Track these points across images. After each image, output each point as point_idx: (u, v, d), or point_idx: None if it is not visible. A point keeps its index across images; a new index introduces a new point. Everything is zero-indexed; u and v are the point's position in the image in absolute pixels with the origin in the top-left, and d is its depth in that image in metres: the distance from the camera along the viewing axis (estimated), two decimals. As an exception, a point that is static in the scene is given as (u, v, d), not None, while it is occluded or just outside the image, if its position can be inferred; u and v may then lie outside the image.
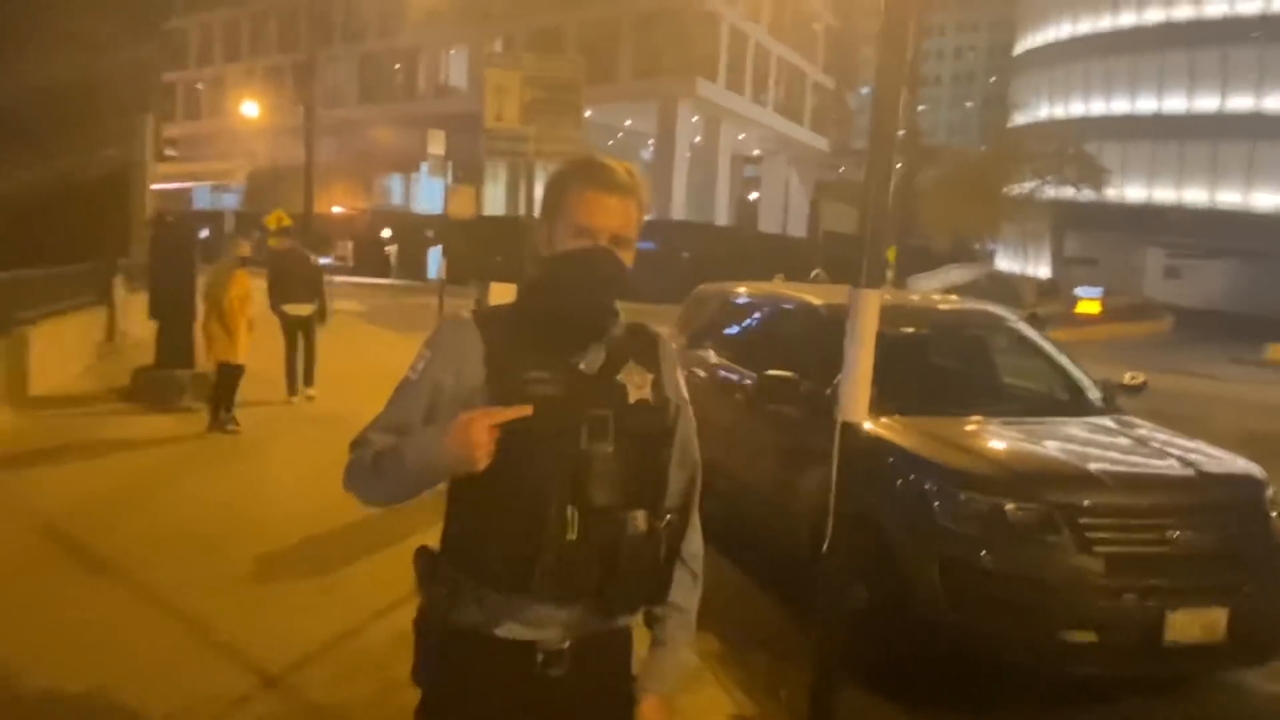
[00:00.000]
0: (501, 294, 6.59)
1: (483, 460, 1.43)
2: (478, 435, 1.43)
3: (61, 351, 10.25)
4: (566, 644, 1.57)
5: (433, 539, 1.66)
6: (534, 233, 1.67)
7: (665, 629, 1.72)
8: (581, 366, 1.57)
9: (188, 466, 6.99)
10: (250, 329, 8.37)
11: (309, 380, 10.10)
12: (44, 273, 10.21)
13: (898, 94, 2.57)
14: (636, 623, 1.70)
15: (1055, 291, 37.71)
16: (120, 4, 15.52)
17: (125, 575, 4.64)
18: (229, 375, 8.20)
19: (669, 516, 1.59)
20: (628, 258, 1.61)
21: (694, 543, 1.72)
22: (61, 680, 3.52)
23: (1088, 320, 30.62)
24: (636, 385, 1.60)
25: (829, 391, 4.94)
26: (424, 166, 48.50)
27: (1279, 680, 4.23)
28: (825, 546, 2.76)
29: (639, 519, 1.52)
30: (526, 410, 1.45)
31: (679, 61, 39.12)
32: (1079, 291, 34.19)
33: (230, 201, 57.04)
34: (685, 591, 1.71)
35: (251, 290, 8.40)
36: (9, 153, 9.55)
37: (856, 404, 2.57)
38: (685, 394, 1.71)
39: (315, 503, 6.03)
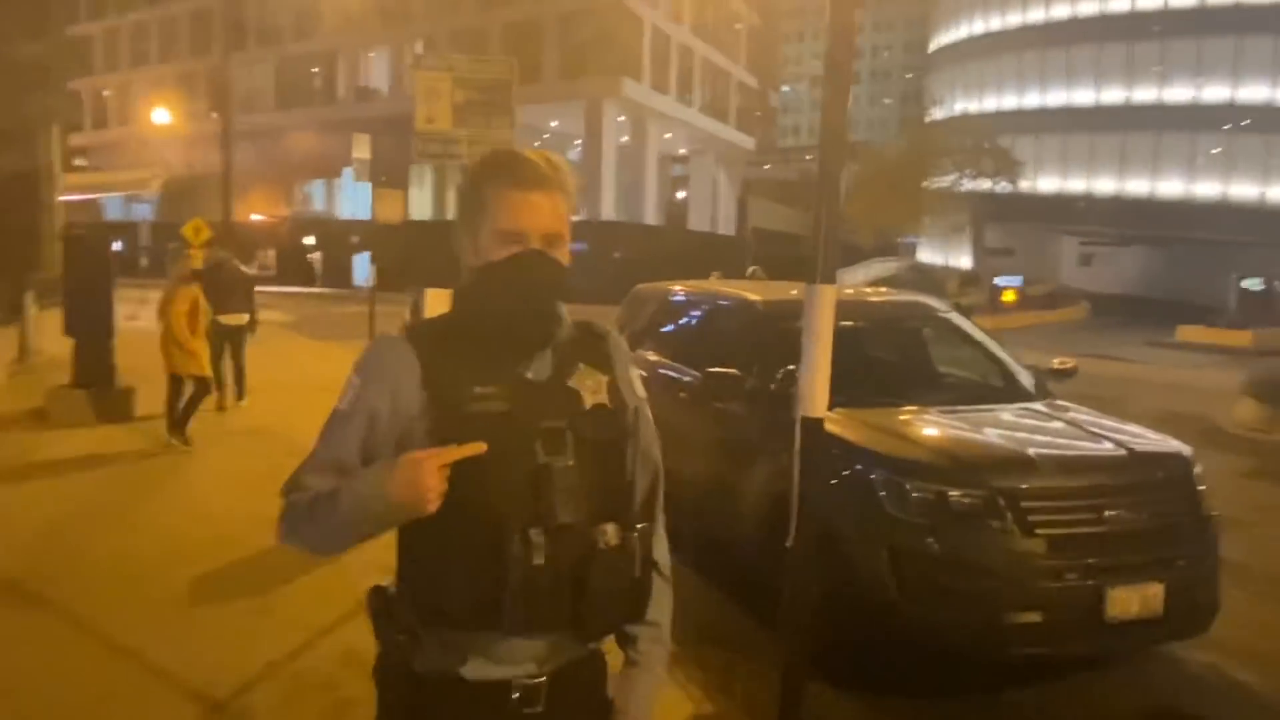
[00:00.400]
0: (438, 300, 6.50)
1: (433, 504, 1.31)
2: (426, 478, 1.29)
3: (-30, 372, 9.77)
4: (542, 678, 1.45)
5: (373, 555, 1.56)
6: (456, 241, 1.53)
7: (639, 647, 1.59)
8: (529, 375, 1.46)
9: (113, 487, 6.72)
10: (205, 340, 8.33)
11: (240, 392, 10.03)
12: (-53, 290, 9.74)
13: (846, 92, 2.59)
14: (607, 642, 1.58)
15: (977, 281, 38.72)
16: (20, 9, 14.89)
17: (53, 606, 4.42)
18: (197, 390, 8.08)
19: (639, 525, 1.47)
20: (563, 256, 1.48)
21: (661, 549, 1.60)
22: (-12, 719, 3.34)
23: (1007, 308, 31.54)
24: (591, 390, 1.48)
25: (772, 386, 4.99)
26: (347, 172, 47.62)
27: (1211, 650, 4.38)
28: (790, 541, 2.76)
29: (609, 533, 1.41)
30: (480, 447, 1.32)
31: (603, 62, 39.13)
32: (999, 281, 35.19)
33: (144, 212, 55.14)
34: (659, 604, 1.58)
35: (201, 303, 8.31)
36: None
37: (816, 399, 2.57)
38: (642, 392, 1.60)
39: (249, 519, 5.86)
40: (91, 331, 9.08)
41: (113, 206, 57.58)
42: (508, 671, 1.43)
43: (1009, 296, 32.84)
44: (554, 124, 45.72)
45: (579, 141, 44.73)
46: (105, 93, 58.54)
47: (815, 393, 2.57)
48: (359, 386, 1.45)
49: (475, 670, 1.43)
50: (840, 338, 5.73)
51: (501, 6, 41.30)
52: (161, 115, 42.00)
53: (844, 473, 4.27)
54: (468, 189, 1.50)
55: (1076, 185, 46.87)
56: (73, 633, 4.13)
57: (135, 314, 23.71)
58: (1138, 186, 45.25)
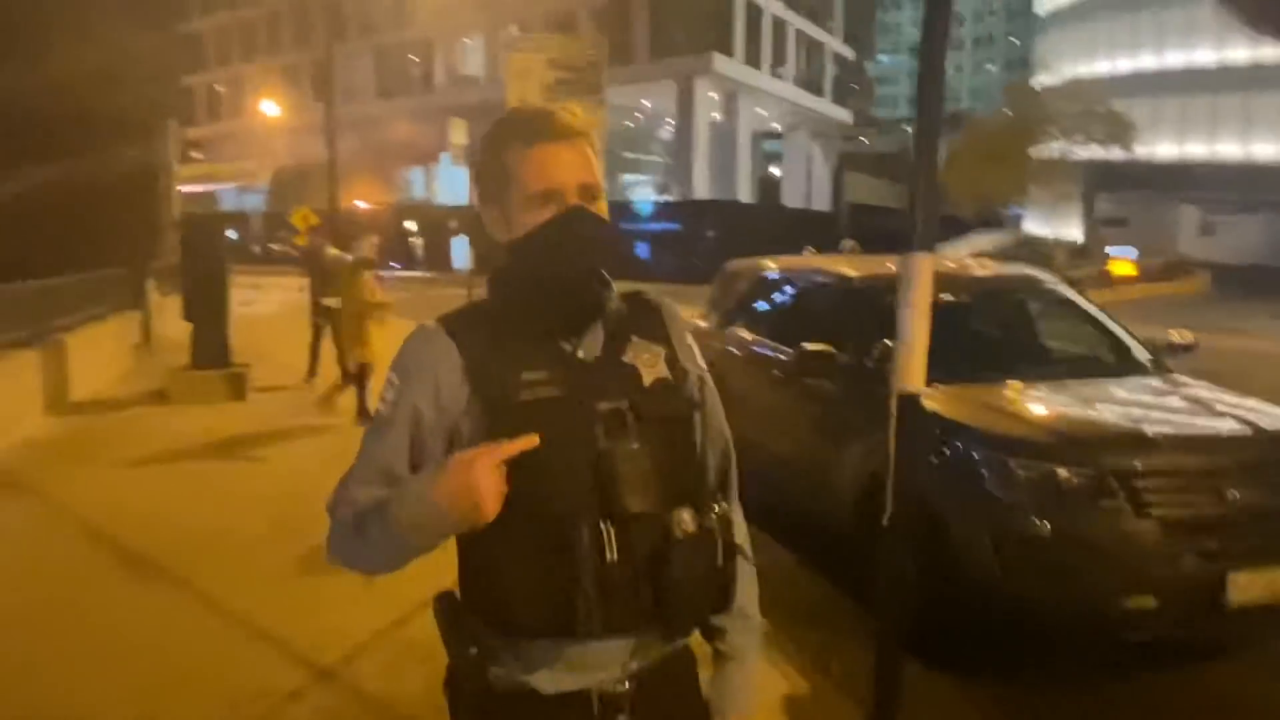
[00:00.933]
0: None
1: (493, 508, 1.18)
2: (481, 480, 1.16)
3: (99, 357, 10.37)
4: (626, 684, 1.33)
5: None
6: (485, 221, 1.39)
7: (729, 639, 1.47)
8: (580, 354, 1.33)
9: (225, 464, 7.05)
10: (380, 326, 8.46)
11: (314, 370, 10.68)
12: (77, 279, 10.33)
13: (942, 60, 2.48)
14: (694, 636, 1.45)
15: (1087, 254, 37.11)
16: (136, 9, 15.59)
17: (169, 576, 4.67)
18: (364, 376, 8.36)
19: (717, 507, 1.36)
20: (602, 210, 1.35)
21: (740, 528, 1.48)
22: (111, 686, 3.54)
23: (1123, 281, 30.10)
24: (648, 364, 1.35)
25: (869, 363, 4.87)
26: (444, 157, 48.56)
27: (1347, 640, 4.11)
28: (886, 520, 2.69)
29: (685, 519, 1.29)
30: (534, 440, 1.20)
31: (694, 39, 38.82)
32: (1111, 252, 33.63)
33: (256, 201, 57.53)
34: (745, 589, 1.46)
35: (379, 291, 8.45)
36: (36, 162, 9.64)
37: (913, 373, 2.48)
38: (703, 362, 1.48)
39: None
40: (208, 316, 9.53)
41: (227, 196, 60.27)
42: (588, 680, 1.32)
43: (1122, 268, 31.34)
44: (646, 103, 45.65)
45: (670, 120, 44.57)
46: (218, 87, 61.08)
47: (913, 366, 2.48)
48: (398, 387, 1.34)
49: (553, 682, 1.32)
50: (941, 312, 5.57)
51: (592, -13, 41.38)
52: (270, 107, 43.60)
53: (945, 451, 4.14)
54: (487, 158, 1.38)
55: (1196, 150, 44.30)
56: (190, 602, 4.35)
57: (250, 299, 24.82)
58: (1264, 150, 42.49)
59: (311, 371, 10.44)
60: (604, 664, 1.33)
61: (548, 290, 1.32)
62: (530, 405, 1.27)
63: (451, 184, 47.29)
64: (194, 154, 58.90)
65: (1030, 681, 3.94)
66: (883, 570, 2.76)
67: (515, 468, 1.21)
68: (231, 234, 49.88)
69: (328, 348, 9.86)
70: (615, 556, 1.25)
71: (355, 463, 1.38)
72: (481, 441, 1.24)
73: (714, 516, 1.34)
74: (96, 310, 10.92)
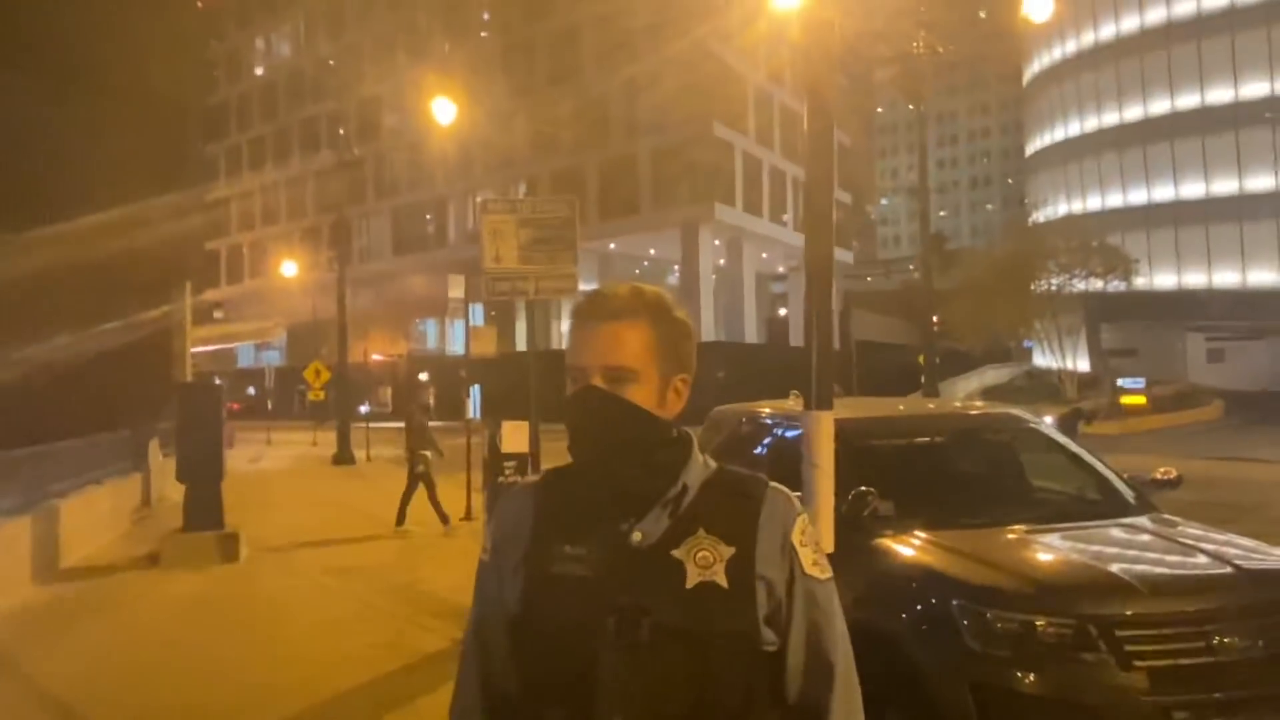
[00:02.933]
0: (515, 433, 6.57)
1: None
2: None
3: (94, 521, 10.35)
4: None
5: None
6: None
7: None
8: (636, 537, 1.25)
9: (206, 631, 6.88)
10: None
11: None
12: (80, 443, 10.42)
13: (829, 211, 2.55)
14: None
15: (1097, 384, 37.06)
16: (163, 177, 16.33)
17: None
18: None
19: None
20: (640, 394, 1.28)
21: None
22: None
23: (1134, 412, 29.90)
24: (700, 563, 1.23)
25: (842, 509, 4.79)
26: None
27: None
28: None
29: None
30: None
31: (696, 189, 40.31)
32: (1122, 383, 33.55)
33: (273, 358, 58.67)
34: None
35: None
36: (50, 329, 9.91)
37: (823, 534, 2.43)
38: (813, 569, 1.31)
39: (330, 661, 5.91)
40: (201, 477, 9.53)
41: (244, 354, 61.53)
42: None
43: (1133, 399, 31.17)
44: (652, 251, 46.99)
45: (677, 266, 45.71)
46: (243, 249, 63.37)
47: (821, 526, 2.43)
48: (492, 534, 1.39)
49: None
50: (925, 454, 5.58)
51: (596, 147, 43.30)
52: (289, 268, 45.05)
53: (921, 603, 4.02)
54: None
55: (1196, 279, 44.86)
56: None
57: (258, 456, 24.88)
58: (1261, 277, 42.99)
59: (400, 520, 11.19)
60: None
61: (596, 469, 1.30)
62: (555, 579, 1.24)
63: (460, 335, 48.33)
64: (216, 314, 60.62)
65: None
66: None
67: (524, 643, 1.24)
68: (250, 390, 50.80)
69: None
70: None
71: (472, 608, 1.40)
72: (517, 603, 1.27)
73: None
74: (96, 474, 10.97)
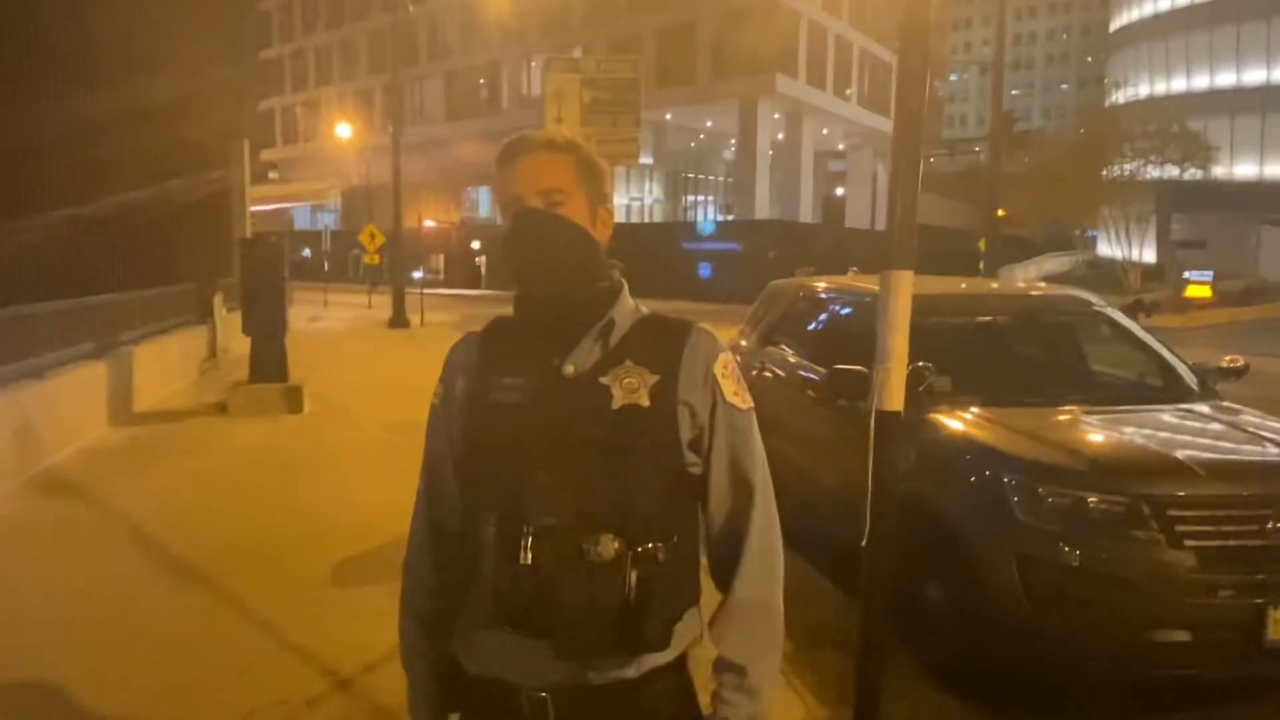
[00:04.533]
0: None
1: None
2: None
3: (165, 369, 10.75)
4: (544, 693, 1.34)
5: None
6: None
7: (721, 695, 1.40)
8: (569, 369, 1.36)
9: (275, 475, 7.23)
10: None
11: None
12: (149, 294, 10.73)
13: (923, 77, 2.45)
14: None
15: (1162, 276, 36.01)
16: (218, 35, 16.19)
17: (206, 582, 4.80)
18: None
19: (652, 544, 1.31)
20: (575, 213, 1.38)
21: (752, 581, 1.41)
22: (138, 686, 3.65)
23: (1199, 305, 29.09)
24: (626, 388, 1.34)
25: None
26: (509, 178, 49.34)
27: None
28: (864, 541, 2.64)
29: (604, 544, 1.28)
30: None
31: (757, 59, 38.84)
32: (1188, 275, 32.55)
33: (328, 220, 59.09)
34: (738, 641, 1.40)
35: None
36: (116, 179, 10.05)
37: (893, 392, 2.45)
38: (733, 398, 1.41)
39: (392, 508, 6.17)
40: (266, 331, 9.80)
41: (301, 216, 62.09)
42: (513, 676, 1.36)
43: (1199, 291, 30.30)
44: (709, 124, 45.81)
45: (734, 141, 44.63)
46: (297, 109, 63.10)
47: (891, 386, 2.44)
48: (443, 379, 1.50)
49: (482, 666, 1.40)
50: (983, 333, 5.52)
51: (655, 9, 41.77)
52: (343, 130, 44.86)
53: (973, 477, 4.06)
54: (491, 192, 1.50)
55: (1278, 170, 42.72)
56: (225, 609, 4.46)
57: (317, 315, 25.45)
58: (1354, 169, 40.82)
59: None
60: (525, 665, 1.34)
61: (520, 299, 1.43)
62: (492, 406, 1.37)
63: (516, 204, 48.13)
64: (271, 174, 60.89)
65: (1053, 715, 3.82)
66: (864, 591, 2.70)
67: (467, 459, 1.39)
68: (306, 252, 51.48)
69: None
70: (530, 560, 1.29)
71: (422, 466, 1.54)
72: (463, 435, 1.42)
73: (646, 551, 1.30)
74: (164, 324, 11.33)
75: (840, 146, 51.28)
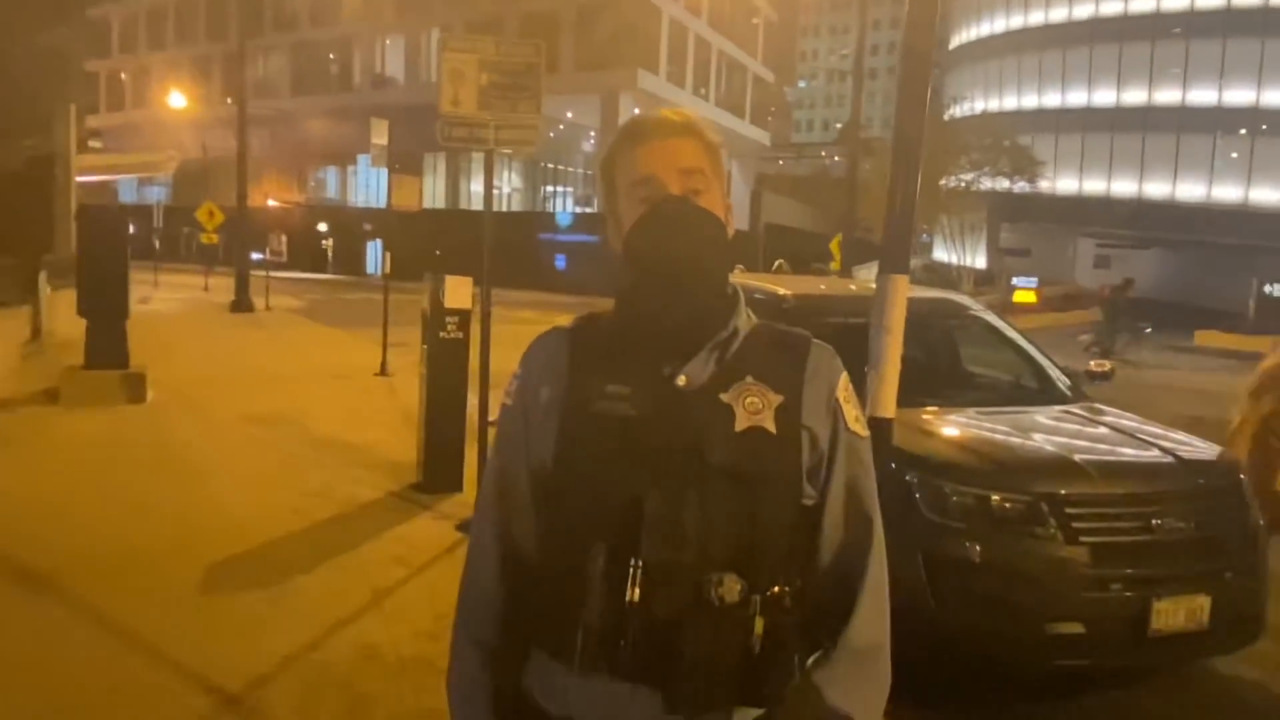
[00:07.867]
0: (458, 288, 6.36)
1: None
2: None
3: (-18, 352, 9.71)
4: None
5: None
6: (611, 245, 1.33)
7: None
8: (681, 380, 1.22)
9: (125, 470, 6.63)
10: None
11: None
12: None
13: (926, 81, 2.44)
14: None
15: (992, 281, 38.47)
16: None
17: (63, 593, 4.32)
18: None
19: (779, 587, 1.18)
20: (713, 207, 1.25)
21: (866, 626, 1.29)
22: (-4, 710, 3.24)
23: (1025, 309, 31.24)
24: (750, 408, 1.21)
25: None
26: (361, 159, 47.55)
27: (1257, 665, 4.23)
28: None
29: (727, 585, 1.14)
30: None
31: (620, 53, 38.95)
32: (1016, 281, 34.89)
33: (158, 194, 55.14)
34: (852, 688, 1.27)
35: None
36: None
37: (885, 399, 2.42)
38: (855, 425, 1.30)
39: (260, 508, 5.78)
40: (105, 313, 8.98)
41: (126, 189, 57.74)
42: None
43: (1026, 297, 32.56)
44: (569, 115, 45.55)
45: (594, 133, 44.60)
46: (122, 75, 58.61)
47: (883, 393, 2.42)
48: (519, 379, 1.33)
49: (560, 708, 1.24)
50: (865, 335, 5.66)
51: (518, -4, 41.19)
52: (177, 99, 41.98)
53: (879, 475, 4.13)
54: (604, 167, 1.33)
55: (1095, 186, 46.50)
56: (80, 620, 4.03)
57: (147, 297, 23.74)
58: (1157, 189, 44.86)
59: None
60: (618, 713, 1.19)
61: (637, 296, 1.25)
62: (597, 418, 1.20)
63: (368, 186, 46.37)
64: (93, 143, 56.32)
65: (966, 710, 3.93)
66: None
67: (567, 476, 1.21)
68: (131, 228, 47.84)
69: None
70: (637, 598, 1.14)
71: (488, 463, 1.38)
72: (555, 444, 1.23)
73: (767, 596, 1.17)
74: (-19, 303, 10.25)
75: (698, 144, 52.09)
